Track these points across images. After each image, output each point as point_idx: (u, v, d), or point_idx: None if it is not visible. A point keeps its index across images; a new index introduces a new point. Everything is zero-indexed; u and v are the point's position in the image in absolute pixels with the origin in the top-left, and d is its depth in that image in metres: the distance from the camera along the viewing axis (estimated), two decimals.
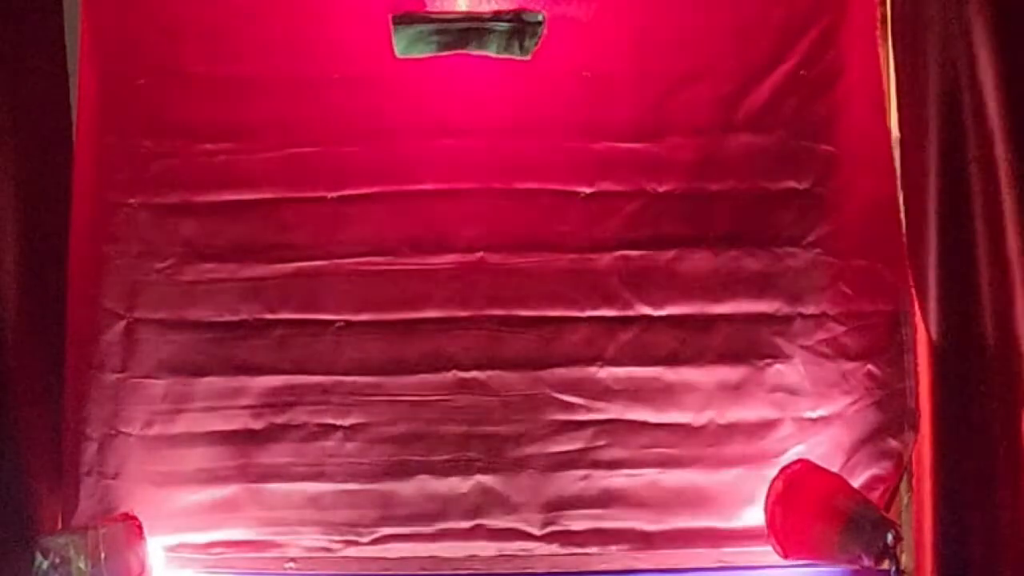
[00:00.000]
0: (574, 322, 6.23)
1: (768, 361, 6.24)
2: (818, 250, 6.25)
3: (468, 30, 5.93)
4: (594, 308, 6.24)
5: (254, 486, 6.20)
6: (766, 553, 6.07)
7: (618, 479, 6.19)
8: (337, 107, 6.20)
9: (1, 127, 5.84)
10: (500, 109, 6.21)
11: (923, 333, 6.09)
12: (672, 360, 6.23)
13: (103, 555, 5.42)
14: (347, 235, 6.21)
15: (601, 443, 6.19)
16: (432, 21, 5.94)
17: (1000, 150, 5.66)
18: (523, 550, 6.19)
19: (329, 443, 6.20)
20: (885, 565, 5.41)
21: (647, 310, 6.26)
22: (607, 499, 6.19)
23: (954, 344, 5.92)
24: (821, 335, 6.23)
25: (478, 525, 6.21)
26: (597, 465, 6.20)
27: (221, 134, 6.22)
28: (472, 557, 6.17)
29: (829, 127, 6.26)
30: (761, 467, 6.18)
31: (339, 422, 6.20)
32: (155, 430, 6.19)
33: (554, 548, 6.19)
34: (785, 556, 6.00)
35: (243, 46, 6.22)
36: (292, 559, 6.17)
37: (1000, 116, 5.65)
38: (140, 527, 5.88)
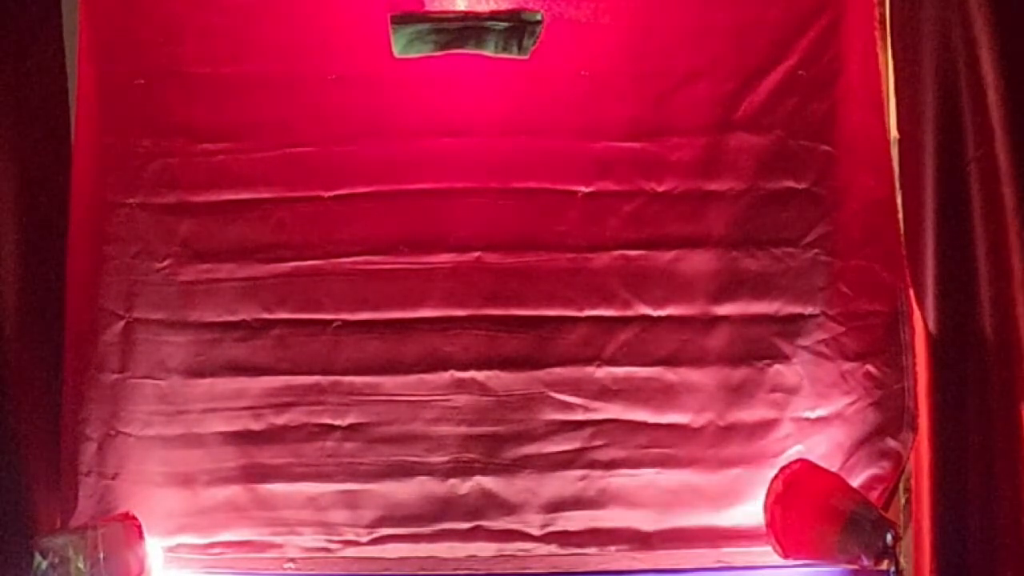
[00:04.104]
0: (572, 322, 6.21)
1: (767, 361, 6.23)
2: (817, 250, 6.24)
3: (466, 29, 5.91)
4: (592, 308, 6.22)
5: (253, 486, 6.20)
6: (766, 553, 6.06)
7: (616, 479, 6.18)
8: (334, 107, 6.19)
9: (1, 127, 5.84)
10: (498, 108, 6.20)
11: (921, 333, 6.08)
12: (671, 360, 6.22)
13: (102, 555, 5.44)
14: (344, 234, 6.20)
15: (599, 443, 6.18)
16: (430, 20, 5.92)
17: (1002, 149, 5.66)
18: (522, 550, 6.18)
19: (328, 443, 6.20)
20: (884, 565, 5.41)
21: (646, 310, 6.24)
22: (605, 499, 6.18)
23: (952, 344, 5.92)
24: (820, 335, 6.21)
25: (477, 526, 6.20)
26: (595, 465, 6.18)
27: (219, 134, 6.21)
28: (471, 557, 6.16)
29: (828, 127, 6.24)
30: (760, 467, 6.17)
31: (337, 422, 6.20)
32: (154, 430, 6.19)
33: (553, 548, 6.19)
34: (784, 556, 5.99)
35: (241, 46, 6.21)
36: (291, 559, 6.17)
37: (1001, 114, 5.66)
38: (139, 527, 5.88)
